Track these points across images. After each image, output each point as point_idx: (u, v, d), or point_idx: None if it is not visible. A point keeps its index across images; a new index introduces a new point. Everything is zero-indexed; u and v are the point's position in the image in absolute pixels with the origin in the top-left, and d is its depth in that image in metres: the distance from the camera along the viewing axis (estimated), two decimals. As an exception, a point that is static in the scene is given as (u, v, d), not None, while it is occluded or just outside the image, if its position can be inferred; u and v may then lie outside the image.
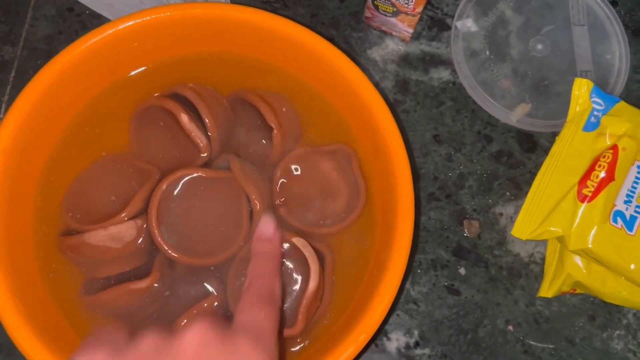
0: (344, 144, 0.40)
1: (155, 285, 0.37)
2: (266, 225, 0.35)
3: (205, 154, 0.39)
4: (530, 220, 0.42)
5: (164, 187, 0.37)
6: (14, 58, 0.47)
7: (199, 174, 0.38)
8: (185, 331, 0.26)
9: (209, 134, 0.39)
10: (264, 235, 0.35)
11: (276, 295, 0.31)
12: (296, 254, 0.38)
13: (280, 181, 0.40)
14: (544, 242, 0.46)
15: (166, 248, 0.37)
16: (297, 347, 0.38)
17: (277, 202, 0.40)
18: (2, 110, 0.46)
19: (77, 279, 0.38)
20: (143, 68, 0.41)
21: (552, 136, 0.48)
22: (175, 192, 0.38)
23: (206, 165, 0.40)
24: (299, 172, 0.41)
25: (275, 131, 0.39)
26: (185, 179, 0.38)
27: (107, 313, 0.37)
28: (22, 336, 0.33)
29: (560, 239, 0.42)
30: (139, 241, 0.37)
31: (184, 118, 0.38)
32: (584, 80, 0.44)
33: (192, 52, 0.42)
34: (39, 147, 0.38)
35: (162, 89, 0.41)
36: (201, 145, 0.39)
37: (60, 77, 0.38)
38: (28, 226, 0.38)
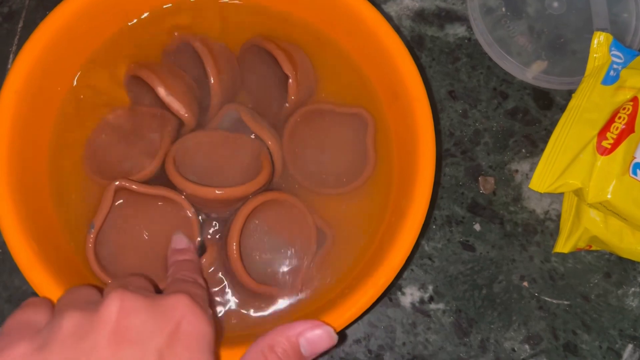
0: (362, 108, 0.39)
1: None
2: (178, 241, 0.35)
3: (190, 127, 0.38)
4: (548, 173, 0.42)
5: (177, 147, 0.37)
6: (22, 8, 0.46)
7: (213, 135, 0.38)
8: (104, 300, 0.25)
9: (212, 95, 0.38)
10: (179, 246, 0.35)
11: (203, 290, 0.30)
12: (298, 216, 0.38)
13: (289, 136, 0.39)
14: (559, 199, 0.45)
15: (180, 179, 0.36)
16: (306, 296, 0.38)
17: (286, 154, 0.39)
18: (10, 60, 0.45)
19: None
20: (152, 12, 0.40)
21: (568, 94, 0.47)
22: (188, 148, 0.37)
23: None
24: (310, 129, 0.40)
25: (291, 80, 0.38)
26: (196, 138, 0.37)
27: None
28: (37, 276, 0.32)
29: (578, 192, 0.42)
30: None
31: (161, 91, 0.37)
32: (603, 34, 0.43)
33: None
34: (52, 89, 0.37)
35: (178, 30, 0.40)
36: (185, 116, 0.38)
37: (70, 20, 0.37)
38: (44, 171, 0.37)
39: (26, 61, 0.35)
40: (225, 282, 0.37)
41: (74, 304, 0.26)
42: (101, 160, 0.38)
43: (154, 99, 0.38)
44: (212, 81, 0.38)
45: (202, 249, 0.37)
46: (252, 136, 0.38)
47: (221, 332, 0.36)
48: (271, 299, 0.37)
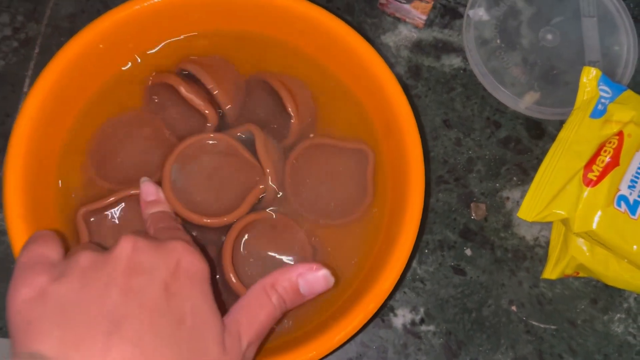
0: (363, 143, 0.41)
1: None
2: (148, 192, 0.37)
3: (211, 123, 0.40)
4: (537, 203, 0.43)
5: (178, 151, 0.39)
6: (38, 35, 0.48)
7: (215, 140, 0.39)
8: (118, 243, 0.28)
9: (221, 105, 0.40)
10: (150, 198, 0.37)
11: (188, 237, 0.33)
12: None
13: (291, 167, 0.41)
14: (548, 227, 0.47)
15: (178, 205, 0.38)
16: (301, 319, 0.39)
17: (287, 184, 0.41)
18: (26, 84, 0.47)
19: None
20: (163, 44, 0.43)
21: (560, 124, 0.49)
22: (189, 156, 0.39)
23: (224, 131, 0.41)
24: (311, 161, 0.42)
25: (293, 120, 0.40)
26: (202, 143, 0.39)
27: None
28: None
29: (565, 222, 0.43)
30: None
31: (184, 89, 0.39)
32: (593, 69, 0.45)
33: (210, 29, 0.43)
34: (64, 114, 0.39)
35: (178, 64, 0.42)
36: (206, 112, 0.40)
37: (84, 52, 0.39)
38: (50, 202, 0.39)
39: (41, 88, 0.38)
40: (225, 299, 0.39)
41: (87, 249, 0.29)
42: (105, 162, 0.40)
43: (174, 108, 0.40)
44: (216, 92, 0.40)
45: None
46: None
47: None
48: None
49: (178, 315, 0.27)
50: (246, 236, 0.39)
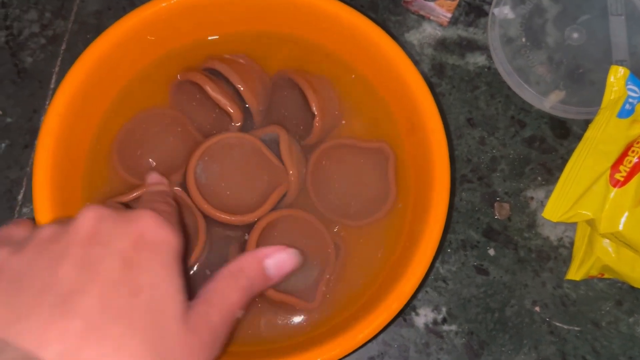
0: (383, 143, 0.41)
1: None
2: (152, 178, 0.37)
3: (239, 123, 0.40)
4: (562, 203, 0.43)
5: (203, 149, 0.39)
6: (65, 32, 0.49)
7: (240, 139, 0.40)
8: (80, 213, 0.27)
9: (246, 104, 0.41)
10: (152, 181, 0.37)
11: (171, 207, 0.32)
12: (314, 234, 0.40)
13: (313, 168, 0.41)
14: (573, 227, 0.46)
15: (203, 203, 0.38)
16: (320, 314, 0.39)
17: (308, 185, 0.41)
18: (53, 80, 0.48)
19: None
20: (189, 42, 0.43)
21: (585, 124, 0.48)
22: (214, 154, 0.39)
23: (248, 131, 0.41)
24: (333, 162, 0.42)
25: (317, 117, 0.40)
26: (227, 141, 0.39)
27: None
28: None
29: (591, 223, 0.43)
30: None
31: (210, 88, 0.40)
32: (620, 68, 0.44)
33: (236, 30, 0.43)
34: (91, 111, 0.40)
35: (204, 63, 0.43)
36: (231, 111, 0.40)
37: (111, 49, 0.39)
38: (77, 195, 0.40)
39: (69, 85, 0.38)
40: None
41: (55, 222, 0.28)
42: (131, 157, 0.41)
43: (199, 106, 0.41)
44: (242, 90, 0.40)
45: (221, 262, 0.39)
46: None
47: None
48: (289, 311, 0.39)
49: (133, 288, 0.25)
50: (270, 233, 0.39)
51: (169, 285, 0.27)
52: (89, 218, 0.27)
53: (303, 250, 0.39)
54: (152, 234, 0.27)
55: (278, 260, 0.31)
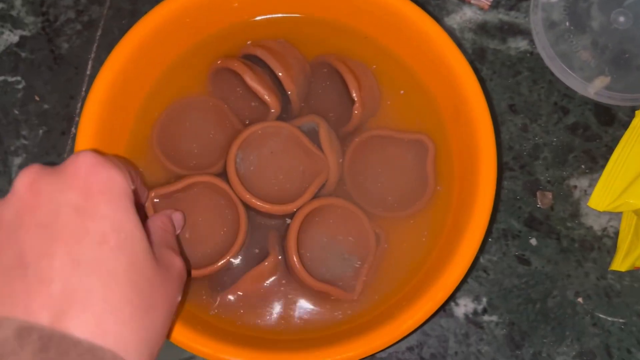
0: (422, 134, 0.40)
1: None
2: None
3: (274, 110, 0.40)
4: (608, 192, 0.42)
5: (242, 139, 0.38)
6: (100, 17, 0.49)
7: (278, 129, 0.39)
8: (15, 181, 0.26)
9: (287, 91, 0.40)
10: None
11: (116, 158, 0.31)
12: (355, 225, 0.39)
13: (350, 158, 0.41)
14: (618, 217, 0.45)
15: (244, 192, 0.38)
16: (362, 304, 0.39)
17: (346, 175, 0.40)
18: (89, 66, 0.48)
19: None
20: (226, 27, 0.42)
21: (631, 110, 0.47)
22: (253, 144, 0.39)
23: (287, 120, 0.40)
24: (370, 152, 0.41)
25: (357, 104, 0.39)
26: (265, 131, 0.39)
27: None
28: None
29: (638, 212, 0.41)
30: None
31: (248, 77, 0.39)
32: (671, 52, 0.43)
33: (274, 14, 0.42)
34: (131, 98, 0.40)
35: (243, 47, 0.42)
36: (268, 101, 0.39)
37: (149, 35, 0.39)
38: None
39: (109, 71, 0.38)
40: (286, 287, 0.39)
41: None
42: (171, 145, 0.40)
43: (237, 94, 0.40)
44: (282, 77, 0.39)
45: (264, 254, 0.39)
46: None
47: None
48: (329, 300, 0.39)
49: (98, 236, 0.25)
50: (311, 221, 0.39)
51: (131, 225, 0.27)
52: (25, 183, 0.26)
53: (343, 239, 0.39)
54: (99, 179, 0.26)
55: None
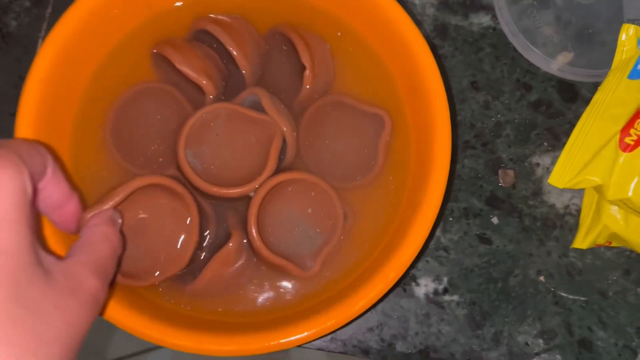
0: (383, 109, 0.39)
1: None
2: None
3: (211, 95, 0.38)
4: (568, 169, 0.41)
5: (184, 137, 0.37)
6: (51, -6, 0.47)
7: (230, 109, 0.38)
8: None
9: (241, 70, 0.39)
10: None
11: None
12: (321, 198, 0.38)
13: (305, 125, 0.40)
14: (580, 194, 0.45)
15: (194, 176, 0.37)
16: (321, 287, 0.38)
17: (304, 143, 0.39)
18: (39, 45, 0.46)
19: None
20: (179, 3, 0.41)
21: (594, 87, 0.46)
22: (198, 137, 0.38)
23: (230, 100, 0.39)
24: (327, 120, 0.40)
25: (307, 71, 0.38)
26: (205, 118, 0.38)
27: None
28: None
29: (599, 189, 0.41)
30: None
31: (178, 63, 0.37)
32: (632, 26, 0.42)
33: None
34: (76, 76, 0.38)
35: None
36: (204, 85, 0.38)
37: (95, 9, 0.37)
38: (65, 149, 0.38)
39: (51, 49, 0.36)
40: (252, 270, 0.38)
41: None
42: (125, 139, 0.39)
43: (180, 76, 0.39)
44: (235, 54, 0.38)
45: (227, 236, 0.38)
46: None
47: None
48: (285, 277, 0.38)
49: None
50: (277, 197, 0.38)
51: (13, 244, 0.23)
52: None
53: (308, 215, 0.38)
54: None
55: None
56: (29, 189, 0.24)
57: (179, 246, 0.37)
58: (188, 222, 0.37)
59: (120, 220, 0.33)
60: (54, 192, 0.28)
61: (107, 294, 0.28)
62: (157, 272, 0.36)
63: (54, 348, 0.23)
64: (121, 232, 0.33)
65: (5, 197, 0.23)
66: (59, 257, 0.26)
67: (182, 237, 0.37)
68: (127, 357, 1.01)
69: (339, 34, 0.41)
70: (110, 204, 0.33)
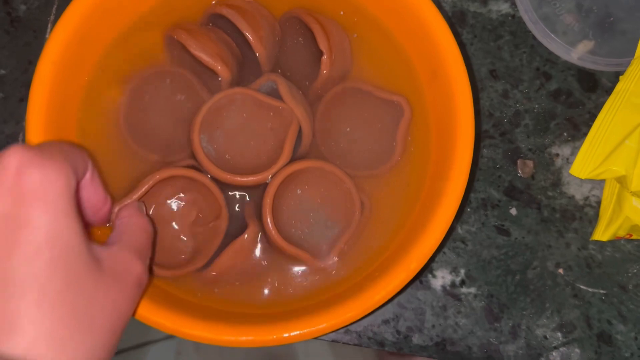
0: (402, 97, 0.38)
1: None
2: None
3: (224, 78, 0.38)
4: (591, 159, 0.40)
5: (199, 122, 0.36)
6: (60, -23, 0.46)
7: (247, 95, 0.37)
8: (3, 157, 0.23)
9: (256, 53, 0.38)
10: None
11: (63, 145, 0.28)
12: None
13: (322, 113, 0.39)
14: (600, 186, 0.44)
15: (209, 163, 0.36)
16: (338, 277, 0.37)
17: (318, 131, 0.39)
18: (49, 30, 0.45)
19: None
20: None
21: (615, 76, 0.45)
22: (213, 122, 0.37)
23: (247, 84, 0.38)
24: (344, 108, 0.39)
25: (325, 57, 0.37)
26: (220, 104, 0.37)
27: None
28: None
29: (621, 180, 0.40)
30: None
31: (193, 47, 0.37)
32: (657, 14, 0.41)
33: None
34: (87, 58, 0.37)
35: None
36: (218, 69, 0.37)
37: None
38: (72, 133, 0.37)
39: (63, 32, 0.35)
40: (268, 261, 0.38)
41: None
42: (138, 123, 0.38)
43: (194, 61, 0.38)
44: (251, 39, 0.37)
45: (243, 227, 0.37)
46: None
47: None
48: (309, 272, 0.37)
49: (31, 250, 0.22)
50: (293, 186, 0.37)
51: (69, 233, 0.24)
52: (15, 160, 0.23)
53: (324, 205, 0.37)
54: (28, 178, 0.23)
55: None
56: (74, 185, 0.25)
57: (203, 238, 0.36)
58: (213, 214, 0.36)
59: (145, 210, 0.34)
60: (91, 196, 0.29)
61: (148, 280, 0.29)
62: (181, 264, 0.36)
63: (105, 334, 0.25)
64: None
65: (59, 189, 0.24)
66: (103, 246, 0.27)
67: (209, 227, 0.36)
68: (130, 349, 1.00)
69: (356, 19, 0.40)
70: (135, 196, 0.34)
